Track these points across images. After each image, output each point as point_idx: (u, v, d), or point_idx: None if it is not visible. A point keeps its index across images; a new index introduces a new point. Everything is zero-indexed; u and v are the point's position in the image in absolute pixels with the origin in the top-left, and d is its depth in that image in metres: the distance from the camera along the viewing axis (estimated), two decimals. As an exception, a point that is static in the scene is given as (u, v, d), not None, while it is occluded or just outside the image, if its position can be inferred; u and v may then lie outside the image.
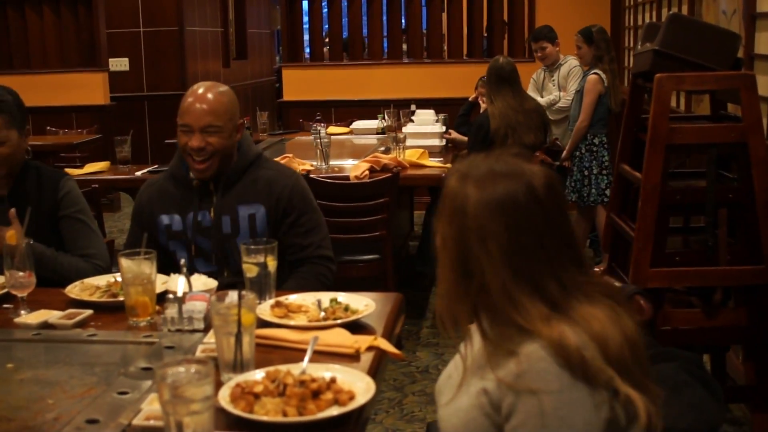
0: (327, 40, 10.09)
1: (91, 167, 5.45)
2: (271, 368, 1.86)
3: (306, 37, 9.66)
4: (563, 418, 1.51)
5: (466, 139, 6.10)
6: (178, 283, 2.32)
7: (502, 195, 1.61)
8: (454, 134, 6.35)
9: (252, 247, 2.42)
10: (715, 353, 3.71)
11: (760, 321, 3.33)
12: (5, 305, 2.50)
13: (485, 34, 8.92)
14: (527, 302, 1.58)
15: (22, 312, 2.41)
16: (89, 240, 3.03)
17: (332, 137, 6.64)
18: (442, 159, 5.54)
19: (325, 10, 9.06)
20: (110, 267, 3.02)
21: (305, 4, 9.06)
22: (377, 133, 6.72)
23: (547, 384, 1.52)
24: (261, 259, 2.42)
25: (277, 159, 4.89)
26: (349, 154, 5.66)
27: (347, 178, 4.77)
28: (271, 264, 2.44)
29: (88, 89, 8.93)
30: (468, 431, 1.63)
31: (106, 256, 3.04)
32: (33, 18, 9.02)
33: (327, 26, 9.69)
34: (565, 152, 6.08)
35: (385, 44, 9.19)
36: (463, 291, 1.64)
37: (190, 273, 2.47)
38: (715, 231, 3.35)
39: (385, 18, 8.90)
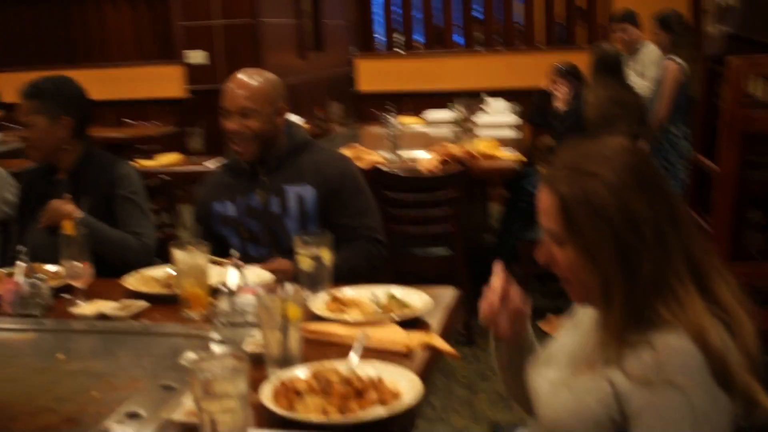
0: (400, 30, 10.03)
1: (162, 159, 5.49)
2: (318, 365, 1.81)
3: (378, 27, 9.59)
4: (708, 416, 1.44)
5: None
6: (230, 276, 2.28)
7: (629, 171, 1.56)
8: None
9: (306, 238, 2.38)
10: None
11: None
12: (64, 295, 2.51)
13: (562, 22, 8.74)
14: (679, 286, 1.52)
15: (80, 302, 2.41)
16: (139, 220, 3.09)
17: (405, 128, 6.62)
18: (514, 149, 5.43)
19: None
20: (155, 246, 3.09)
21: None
22: (451, 123, 6.63)
23: (691, 377, 1.45)
24: (315, 251, 2.38)
25: (346, 150, 4.86)
26: (421, 145, 5.58)
27: (418, 169, 4.70)
28: (326, 256, 2.39)
29: (165, 82, 9.02)
30: (576, 415, 1.57)
31: (153, 237, 3.11)
32: (110, 11, 9.15)
33: (400, 16, 9.62)
34: (643, 143, 5.91)
35: (459, 33, 9.08)
36: (630, 292, 1.54)
37: (243, 260, 2.45)
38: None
39: (458, 7, 8.80)
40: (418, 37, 9.17)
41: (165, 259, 2.62)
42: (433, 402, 3.96)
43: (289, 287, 1.90)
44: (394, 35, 9.77)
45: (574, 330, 1.77)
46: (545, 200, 1.62)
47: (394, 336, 2.05)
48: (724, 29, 3.33)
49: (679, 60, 5.77)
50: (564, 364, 1.68)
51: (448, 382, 4.19)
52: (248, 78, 2.92)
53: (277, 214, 2.92)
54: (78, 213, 2.87)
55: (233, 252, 2.40)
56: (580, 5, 8.47)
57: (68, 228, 2.47)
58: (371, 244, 2.96)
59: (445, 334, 2.17)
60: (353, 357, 1.87)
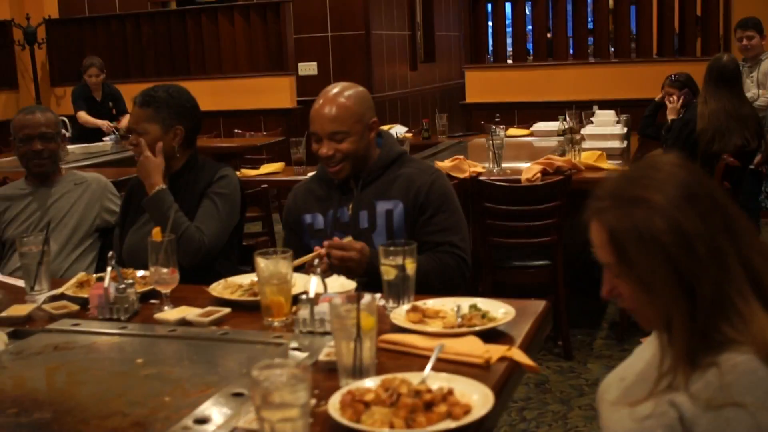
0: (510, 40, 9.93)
1: (266, 168, 5.54)
2: (389, 376, 1.76)
3: (490, 38, 9.52)
4: None
5: None
6: (311, 284, 2.26)
7: (677, 188, 1.51)
8: None
9: (390, 248, 2.33)
10: None
11: None
12: (151, 300, 2.53)
13: (677, 32, 8.49)
14: (740, 302, 1.46)
15: (166, 308, 2.43)
16: (210, 218, 3.08)
17: (511, 139, 6.53)
18: (621, 161, 5.28)
19: (509, 10, 8.91)
20: (213, 249, 3.07)
21: (489, 6, 8.94)
22: (558, 135, 6.51)
23: (758, 396, 1.38)
24: (399, 261, 2.33)
25: (447, 161, 4.82)
26: (527, 157, 5.48)
27: (519, 180, 4.62)
28: (410, 267, 2.34)
29: (276, 93, 9.16)
30: None
31: (214, 238, 3.07)
32: (225, 24, 9.35)
33: (510, 27, 9.53)
34: (759, 156, 5.67)
35: (571, 44, 8.92)
36: (692, 316, 1.48)
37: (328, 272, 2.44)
38: None
39: (570, 17, 8.65)
40: (530, 48, 9.06)
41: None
42: (526, 416, 3.88)
43: (366, 296, 1.86)
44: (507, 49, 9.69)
45: (648, 348, 1.70)
46: (595, 234, 1.57)
47: (472, 348, 1.98)
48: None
49: (798, 70, 5.53)
50: (630, 384, 1.62)
51: (543, 396, 4.10)
52: (335, 98, 2.85)
53: (365, 229, 2.87)
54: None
55: (316, 262, 2.38)
56: (696, 13, 8.21)
57: (156, 234, 2.49)
58: (452, 258, 2.86)
59: (529, 347, 2.10)
60: (427, 369, 1.81)
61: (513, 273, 4.60)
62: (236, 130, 8.16)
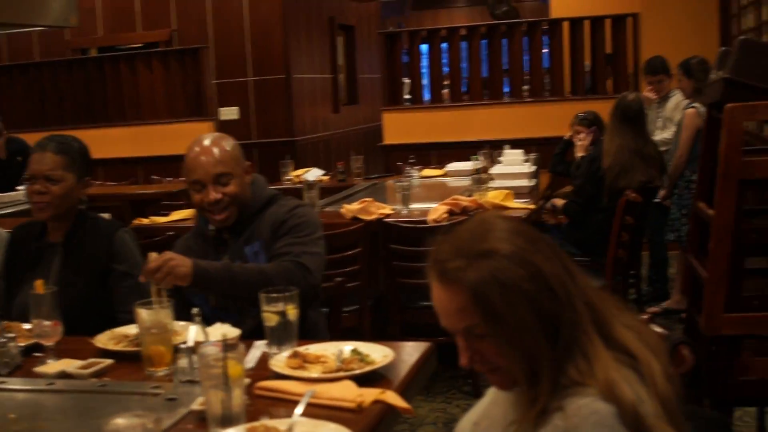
0: (426, 82, 10.06)
1: (177, 215, 5.51)
2: (255, 423, 1.77)
3: (406, 80, 9.63)
4: None
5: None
6: (190, 333, 2.26)
7: (518, 235, 1.52)
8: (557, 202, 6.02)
9: (272, 295, 2.35)
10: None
11: None
12: (35, 354, 2.50)
13: (587, 70, 8.68)
14: (587, 342, 1.47)
15: (49, 361, 2.40)
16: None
17: (426, 180, 6.60)
18: (529, 199, 5.37)
19: (425, 53, 9.04)
20: None
21: (405, 49, 9.08)
22: (472, 175, 6.59)
23: None
24: (280, 307, 2.34)
25: (355, 204, 4.85)
26: (438, 197, 5.53)
27: (425, 221, 4.66)
28: (291, 312, 2.36)
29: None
30: None
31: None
32: (144, 71, 9.32)
33: (426, 69, 9.67)
34: (663, 191, 5.82)
35: (485, 84, 9.08)
36: (554, 363, 1.48)
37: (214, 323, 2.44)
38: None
39: (484, 58, 8.81)
40: (446, 90, 9.19)
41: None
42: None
43: (232, 345, 1.86)
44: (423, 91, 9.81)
45: (491, 392, 1.73)
46: (451, 299, 1.51)
47: (345, 392, 2.00)
48: (720, 75, 3.26)
49: (698, 106, 5.68)
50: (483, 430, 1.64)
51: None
52: (211, 145, 2.86)
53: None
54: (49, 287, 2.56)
55: (195, 310, 2.38)
56: (605, 52, 8.42)
57: (39, 287, 2.46)
58: (291, 263, 2.76)
59: (406, 389, 2.12)
60: (295, 414, 1.83)
61: (422, 313, 4.63)
62: (153, 176, 8.10)
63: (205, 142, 2.89)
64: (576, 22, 8.44)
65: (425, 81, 10.01)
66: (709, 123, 3.54)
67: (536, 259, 1.49)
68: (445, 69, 9.42)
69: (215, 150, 2.85)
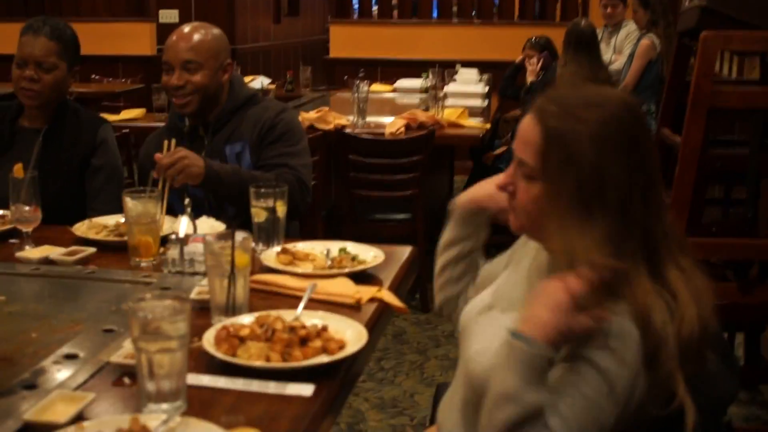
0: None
1: (126, 114, 5.42)
2: (263, 313, 1.78)
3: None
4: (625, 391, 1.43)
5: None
6: (180, 225, 2.24)
7: (619, 130, 1.48)
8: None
9: (261, 191, 2.33)
10: (749, 332, 3.57)
11: (798, 298, 3.17)
12: (11, 240, 2.45)
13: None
14: (629, 262, 1.45)
15: (27, 247, 2.36)
16: (108, 198, 2.90)
17: (374, 95, 6.56)
18: (482, 119, 5.40)
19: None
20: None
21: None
22: (421, 92, 6.59)
23: (622, 356, 1.42)
24: (270, 203, 2.34)
25: (312, 112, 4.81)
26: (390, 112, 5.53)
27: (383, 134, 4.67)
28: (281, 209, 2.35)
29: (135, 39, 8.91)
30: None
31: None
32: (83, -35, 9.02)
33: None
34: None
35: (435, 4, 9.02)
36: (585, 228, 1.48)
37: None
38: (755, 202, 3.19)
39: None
40: (395, 8, 9.11)
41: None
42: (384, 365, 3.97)
43: (239, 234, 1.86)
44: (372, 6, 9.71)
45: (514, 271, 1.76)
46: (528, 131, 1.53)
47: (343, 289, 2.02)
48: (697, 3, 3.29)
49: (653, 37, 5.76)
50: (489, 323, 1.67)
51: (400, 347, 4.20)
52: (192, 32, 2.84)
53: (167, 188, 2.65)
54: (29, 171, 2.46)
55: (186, 201, 2.36)
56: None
57: (17, 171, 2.40)
58: (289, 176, 2.76)
59: (397, 290, 2.15)
60: (300, 307, 1.84)
61: (374, 225, 4.66)
62: (93, 76, 7.89)
63: (187, 28, 2.86)
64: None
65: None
66: (678, 50, 3.59)
67: (613, 159, 1.47)
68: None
69: (194, 37, 2.82)
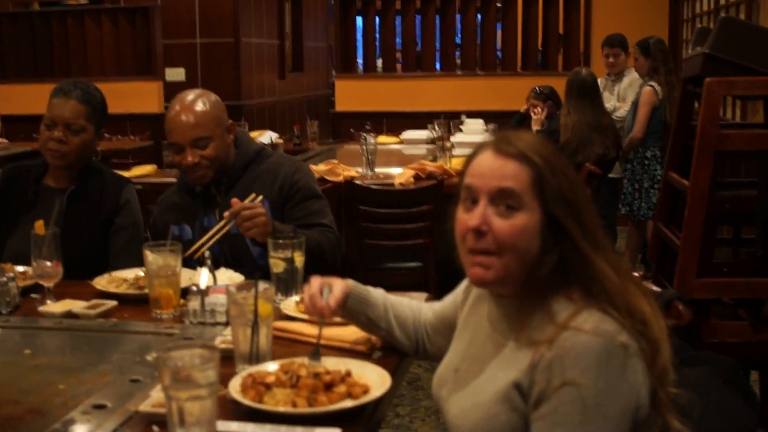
0: (378, 53, 10.09)
1: (138, 170, 5.48)
2: (286, 360, 1.81)
3: (359, 50, 9.66)
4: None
5: None
6: (201, 276, 2.28)
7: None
8: None
9: (279, 242, 2.37)
10: (764, 370, 3.57)
11: (811, 336, 3.20)
12: (33, 295, 2.49)
13: (540, 48, 8.81)
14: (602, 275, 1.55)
15: (49, 302, 2.39)
16: (130, 256, 2.91)
17: (381, 147, 6.63)
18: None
19: (378, 22, 9.06)
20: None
21: (359, 18, 9.08)
22: (427, 143, 6.66)
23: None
24: (288, 254, 2.37)
25: (321, 164, 4.87)
26: (397, 163, 5.60)
27: (392, 185, 4.72)
28: (298, 259, 2.39)
29: (143, 98, 9.02)
30: (489, 426, 1.56)
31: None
32: (92, 27, 9.16)
33: (379, 39, 9.68)
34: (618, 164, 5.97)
35: (438, 56, 9.15)
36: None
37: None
38: (765, 242, 3.23)
39: (438, 31, 8.87)
40: (398, 61, 9.23)
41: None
42: (399, 411, 3.98)
43: (261, 284, 1.89)
44: (376, 60, 9.85)
45: (470, 330, 1.79)
46: (504, 165, 1.58)
47: (354, 336, 2.04)
48: (700, 50, 3.36)
49: (655, 85, 5.84)
50: (460, 380, 1.71)
51: (415, 393, 4.21)
52: (192, 105, 2.79)
53: (237, 234, 2.72)
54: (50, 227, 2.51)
55: (207, 254, 2.40)
56: (558, 31, 8.56)
57: (39, 228, 2.45)
58: (331, 234, 2.86)
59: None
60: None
61: (386, 274, 4.69)
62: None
63: (186, 102, 2.80)
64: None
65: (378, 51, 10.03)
66: (683, 96, 3.65)
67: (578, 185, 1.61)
68: (398, 40, 9.45)
69: (196, 111, 2.78)
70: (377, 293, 2.02)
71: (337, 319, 2.15)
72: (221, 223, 2.61)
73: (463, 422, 1.63)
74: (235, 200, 2.64)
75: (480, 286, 1.68)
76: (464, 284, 1.91)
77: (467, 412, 1.62)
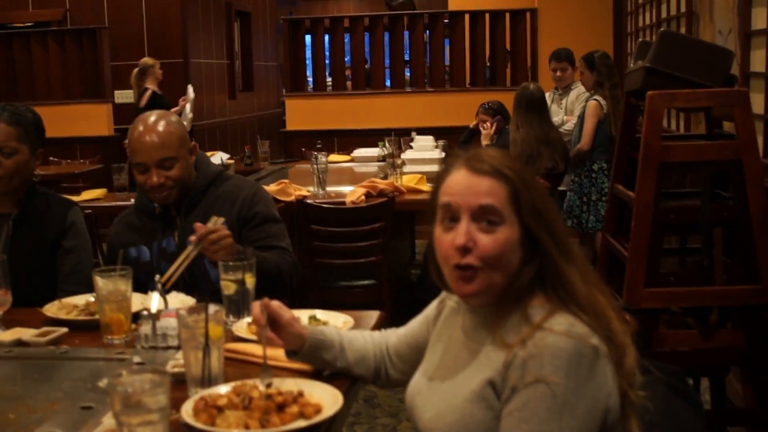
0: (328, 71, 10.13)
1: (88, 194, 5.44)
2: (238, 382, 1.81)
3: (309, 68, 9.68)
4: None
5: None
6: (152, 300, 2.27)
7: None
8: None
9: (230, 264, 2.38)
10: (714, 376, 3.64)
11: (758, 342, 3.26)
12: (-18, 324, 2.46)
13: (488, 63, 8.90)
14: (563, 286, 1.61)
15: (-3, 330, 2.37)
16: (78, 279, 2.91)
17: (333, 165, 6.65)
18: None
19: (327, 40, 9.09)
20: None
21: (308, 37, 9.10)
22: (378, 161, 6.69)
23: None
24: (239, 276, 2.37)
25: (273, 185, 4.88)
26: (349, 181, 5.63)
27: (344, 203, 4.74)
28: (249, 281, 2.39)
29: (92, 120, 8.96)
30: (465, 427, 1.59)
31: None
32: (38, 50, 9.08)
33: (329, 57, 9.72)
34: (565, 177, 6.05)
35: (388, 74, 9.20)
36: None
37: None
38: (710, 251, 3.30)
39: (387, 48, 8.92)
40: (348, 79, 9.27)
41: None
42: (356, 430, 3.98)
43: (211, 307, 1.89)
44: (326, 78, 9.88)
45: (443, 342, 1.82)
46: (481, 183, 1.63)
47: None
48: (641, 64, 3.43)
49: (600, 99, 5.93)
50: (434, 389, 1.74)
51: (372, 410, 4.21)
52: (155, 125, 2.79)
53: (195, 256, 2.69)
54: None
55: (157, 278, 2.39)
56: (505, 47, 8.65)
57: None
58: (293, 261, 2.91)
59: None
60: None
61: (339, 293, 4.70)
62: (51, 158, 7.91)
63: (149, 122, 2.81)
64: (476, 15, 8.63)
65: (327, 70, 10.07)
66: (626, 109, 3.72)
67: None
68: (347, 58, 9.49)
69: (160, 131, 2.78)
70: (332, 333, 2.01)
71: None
72: (188, 249, 2.59)
73: (438, 425, 1.65)
74: (198, 225, 2.63)
75: (468, 299, 1.70)
76: (436, 301, 1.95)
77: (442, 414, 1.65)
